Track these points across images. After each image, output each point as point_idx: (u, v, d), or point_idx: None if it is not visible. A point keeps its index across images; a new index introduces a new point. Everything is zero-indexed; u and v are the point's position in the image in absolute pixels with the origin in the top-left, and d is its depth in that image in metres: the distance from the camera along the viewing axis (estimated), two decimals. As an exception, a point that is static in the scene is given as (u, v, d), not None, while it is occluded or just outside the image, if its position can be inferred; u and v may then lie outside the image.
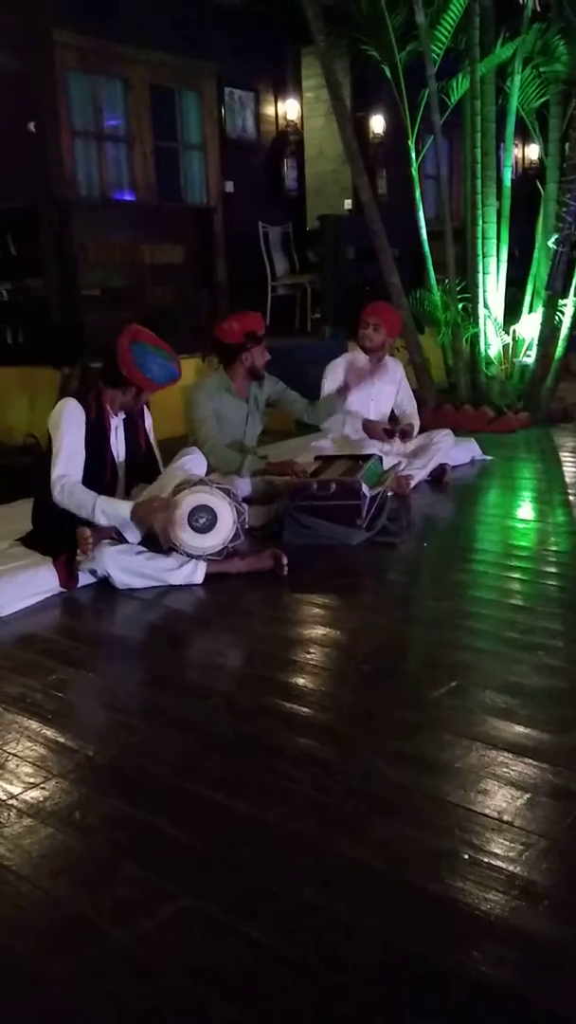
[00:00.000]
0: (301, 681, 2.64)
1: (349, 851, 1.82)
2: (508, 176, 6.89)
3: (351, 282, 8.38)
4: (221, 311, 7.02)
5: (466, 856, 1.78)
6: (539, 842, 1.82)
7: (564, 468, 5.66)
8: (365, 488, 3.91)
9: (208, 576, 3.45)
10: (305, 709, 2.46)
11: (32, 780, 2.13)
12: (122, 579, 3.37)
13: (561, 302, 6.85)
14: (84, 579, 3.43)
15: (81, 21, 7.47)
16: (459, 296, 6.90)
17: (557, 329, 6.90)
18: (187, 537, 3.39)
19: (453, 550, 4.00)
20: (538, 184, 7.27)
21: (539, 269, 7.00)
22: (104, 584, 3.41)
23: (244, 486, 4.10)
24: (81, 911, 1.69)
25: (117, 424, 3.59)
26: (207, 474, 3.69)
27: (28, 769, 2.19)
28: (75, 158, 7.95)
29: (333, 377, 5.02)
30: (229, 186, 9.12)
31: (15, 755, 2.25)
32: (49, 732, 2.37)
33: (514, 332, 7.14)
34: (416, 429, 5.25)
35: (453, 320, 6.90)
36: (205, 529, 3.41)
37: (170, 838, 1.90)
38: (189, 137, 8.96)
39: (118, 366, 3.44)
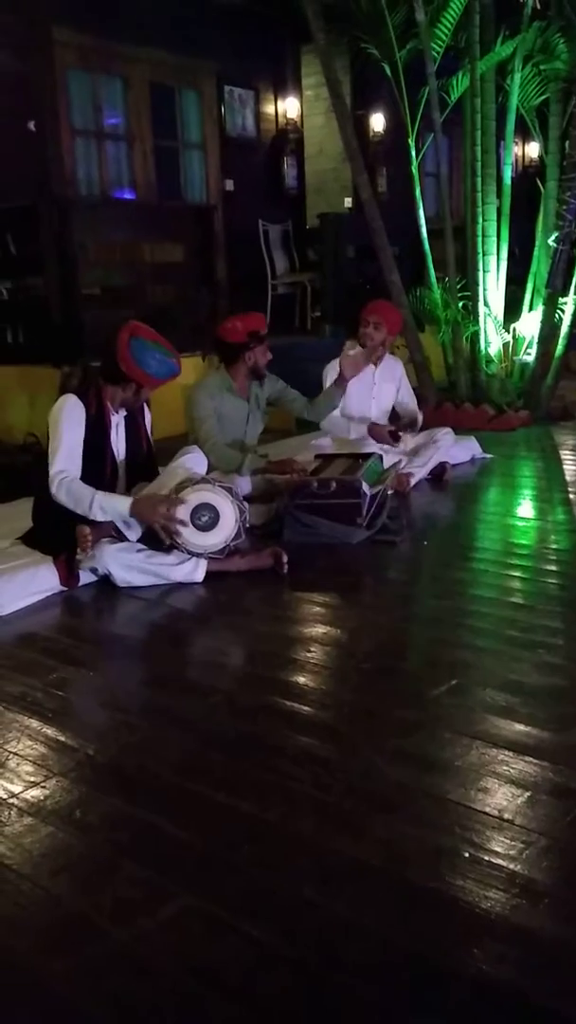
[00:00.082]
0: (302, 680, 2.64)
1: (349, 850, 1.82)
2: (508, 174, 6.89)
3: (351, 280, 8.39)
4: (221, 310, 7.04)
5: (466, 854, 1.78)
6: (539, 840, 1.82)
7: (564, 466, 5.65)
8: (365, 487, 3.91)
9: (208, 574, 3.45)
10: (306, 708, 2.46)
11: (33, 779, 2.13)
12: (123, 576, 3.37)
13: (561, 300, 6.85)
14: (85, 577, 3.43)
15: (81, 20, 7.47)
16: (459, 294, 6.90)
17: (557, 327, 6.89)
18: (189, 535, 3.39)
19: (453, 548, 4.00)
20: (538, 182, 7.27)
21: (539, 267, 6.99)
22: (105, 582, 3.41)
23: (244, 484, 4.10)
24: (81, 910, 1.69)
25: (118, 421, 3.59)
26: (208, 473, 3.69)
27: (29, 768, 2.19)
28: (75, 157, 7.95)
29: (333, 375, 5.01)
30: (229, 184, 9.12)
31: (16, 754, 2.26)
32: (50, 731, 2.37)
33: (514, 330, 7.14)
34: (420, 421, 5.25)
35: (453, 318, 6.90)
36: (208, 527, 3.41)
37: (171, 837, 1.90)
38: (189, 136, 8.96)
39: (117, 362, 3.44)
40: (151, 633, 3.17)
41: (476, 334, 6.94)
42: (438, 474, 4.99)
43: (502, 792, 1.99)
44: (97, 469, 3.48)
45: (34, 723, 2.42)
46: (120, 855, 1.85)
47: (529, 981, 1.48)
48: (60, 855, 1.86)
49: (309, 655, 2.82)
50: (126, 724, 2.44)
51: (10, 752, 2.26)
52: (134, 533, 3.43)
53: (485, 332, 6.92)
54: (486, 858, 1.77)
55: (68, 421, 3.43)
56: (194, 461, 3.66)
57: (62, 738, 2.33)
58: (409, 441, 5.13)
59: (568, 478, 5.26)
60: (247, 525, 3.57)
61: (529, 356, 7.07)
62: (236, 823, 1.94)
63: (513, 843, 1.81)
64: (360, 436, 4.99)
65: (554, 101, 6.83)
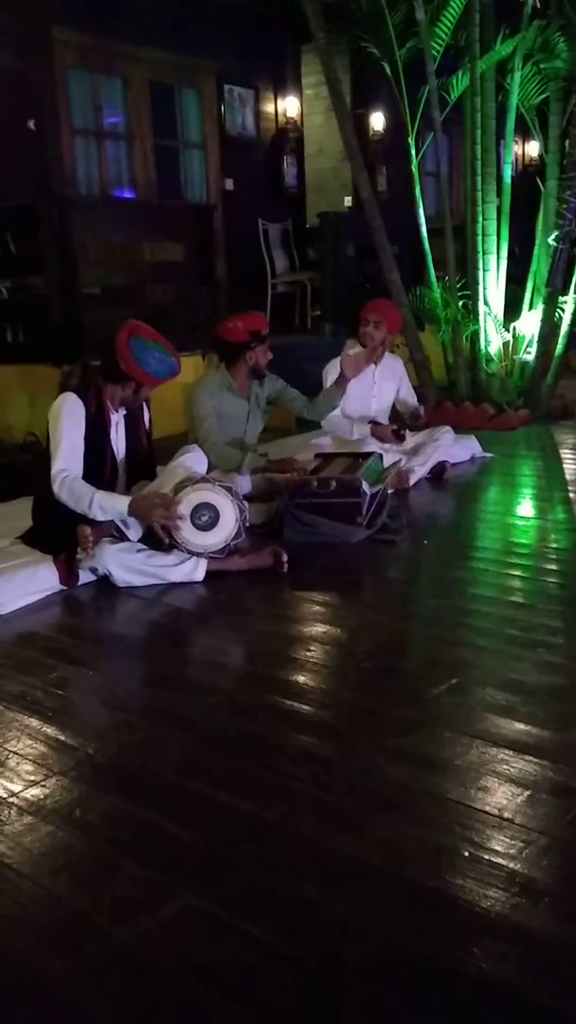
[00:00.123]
0: (301, 679, 2.64)
1: (349, 849, 1.82)
2: (508, 173, 6.89)
3: (351, 279, 8.38)
4: (221, 309, 7.03)
5: (466, 853, 1.78)
6: (539, 839, 1.82)
7: (564, 465, 5.65)
8: (365, 486, 3.91)
9: (208, 574, 3.45)
10: (305, 707, 2.46)
11: (32, 778, 2.13)
12: (122, 577, 3.37)
13: (561, 299, 6.85)
14: (84, 577, 3.43)
15: (81, 19, 7.47)
16: (459, 293, 6.89)
17: (557, 326, 6.89)
18: (189, 534, 3.39)
19: (453, 548, 3.99)
20: (538, 181, 7.27)
21: (539, 266, 7.00)
22: (104, 582, 3.41)
23: (244, 484, 4.10)
24: (81, 909, 1.69)
25: (117, 420, 3.59)
26: (207, 472, 3.69)
27: (28, 767, 2.19)
28: (75, 156, 7.95)
29: (334, 375, 5.01)
30: (229, 183, 9.12)
31: (15, 753, 2.26)
32: (49, 730, 2.37)
33: (514, 329, 7.14)
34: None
35: (453, 317, 6.90)
36: (208, 527, 3.41)
37: (171, 836, 1.90)
38: (189, 135, 8.95)
39: (117, 361, 3.44)
40: (151, 632, 3.17)
41: (476, 333, 6.94)
42: (438, 473, 4.99)
43: (502, 791, 2.00)
44: (97, 468, 3.48)
45: (34, 722, 2.42)
46: (120, 854, 1.85)
47: (529, 980, 1.48)
48: (60, 854, 1.86)
49: (309, 654, 2.82)
50: (126, 723, 2.44)
51: (10, 751, 2.26)
52: (135, 533, 3.43)
53: (485, 331, 6.92)
54: (486, 857, 1.77)
55: (68, 420, 3.43)
56: (194, 460, 3.66)
57: (62, 737, 2.33)
58: (410, 439, 5.13)
59: (568, 477, 5.26)
60: (247, 524, 3.57)
61: (529, 355, 7.07)
62: (236, 822, 1.94)
63: (513, 842, 1.81)
64: (363, 436, 5.00)
65: (554, 100, 6.83)
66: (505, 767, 2.09)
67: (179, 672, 2.82)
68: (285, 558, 3.51)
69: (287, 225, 9.34)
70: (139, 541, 3.44)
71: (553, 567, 3.64)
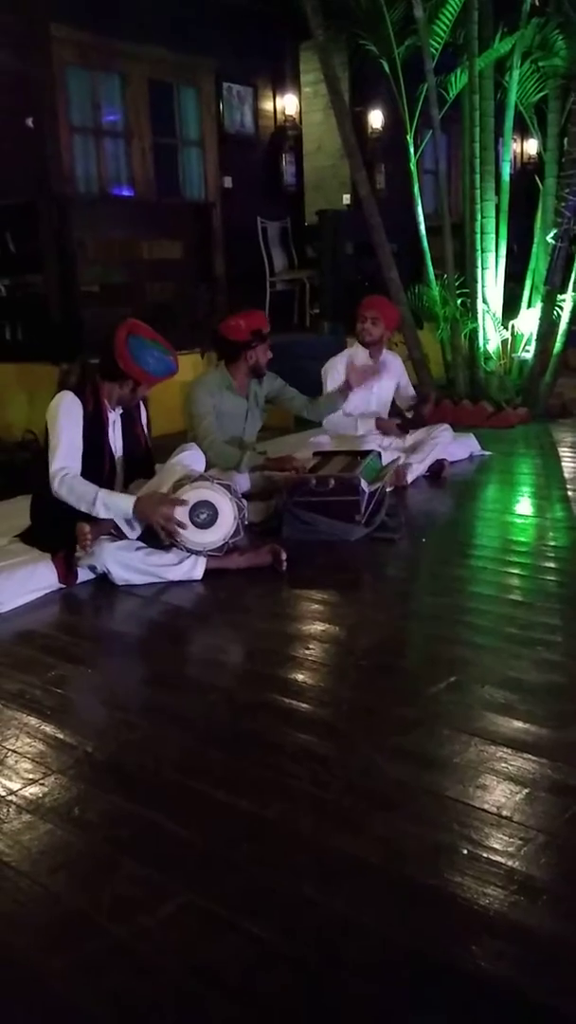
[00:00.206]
0: (300, 677, 2.64)
1: (348, 847, 1.82)
2: (507, 171, 6.88)
3: (350, 277, 8.38)
4: (220, 307, 7.02)
5: (465, 851, 1.79)
6: (538, 837, 1.82)
7: (563, 464, 5.65)
8: (364, 484, 3.91)
9: (207, 572, 3.45)
10: (304, 705, 2.46)
11: (31, 776, 2.14)
12: (121, 575, 3.37)
13: (560, 297, 6.85)
14: (83, 575, 3.43)
15: (79, 17, 7.46)
16: (458, 291, 6.89)
17: (556, 324, 6.89)
18: (188, 533, 3.39)
19: (452, 546, 4.00)
20: (537, 179, 7.26)
21: (538, 264, 7.00)
22: (103, 580, 3.41)
23: (243, 482, 4.10)
24: (80, 907, 1.69)
25: (115, 419, 3.59)
26: (206, 470, 3.69)
27: (27, 765, 2.19)
28: (73, 154, 7.94)
29: (335, 375, 5.04)
30: (227, 181, 9.11)
31: (14, 751, 2.26)
32: (48, 728, 2.37)
33: (513, 327, 7.13)
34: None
35: (452, 315, 6.90)
36: (206, 525, 3.41)
37: (170, 835, 1.90)
38: (187, 133, 8.94)
39: (115, 359, 3.44)
40: (150, 630, 3.17)
41: (475, 331, 6.93)
42: (436, 471, 4.99)
43: (501, 789, 2.00)
44: (95, 466, 3.48)
45: (33, 720, 2.42)
46: (119, 853, 1.85)
47: (527, 978, 1.48)
48: (59, 852, 1.86)
49: (308, 652, 2.82)
50: (125, 722, 2.44)
51: (8, 749, 2.26)
52: (133, 531, 3.43)
53: (484, 329, 6.92)
54: (484, 855, 1.77)
55: (66, 418, 3.42)
56: (192, 459, 3.66)
57: (61, 735, 2.33)
58: (408, 437, 5.14)
59: (566, 475, 5.26)
60: (246, 522, 3.57)
61: (528, 353, 7.07)
62: (235, 820, 1.94)
63: (511, 840, 1.81)
64: (368, 431, 5.00)
65: (553, 98, 6.82)
66: (504, 765, 2.09)
67: (178, 670, 2.82)
68: (284, 556, 3.51)
69: (286, 223, 9.33)
70: (138, 539, 3.44)
71: (552, 565, 3.64)
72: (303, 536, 3.87)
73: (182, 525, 3.35)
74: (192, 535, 3.39)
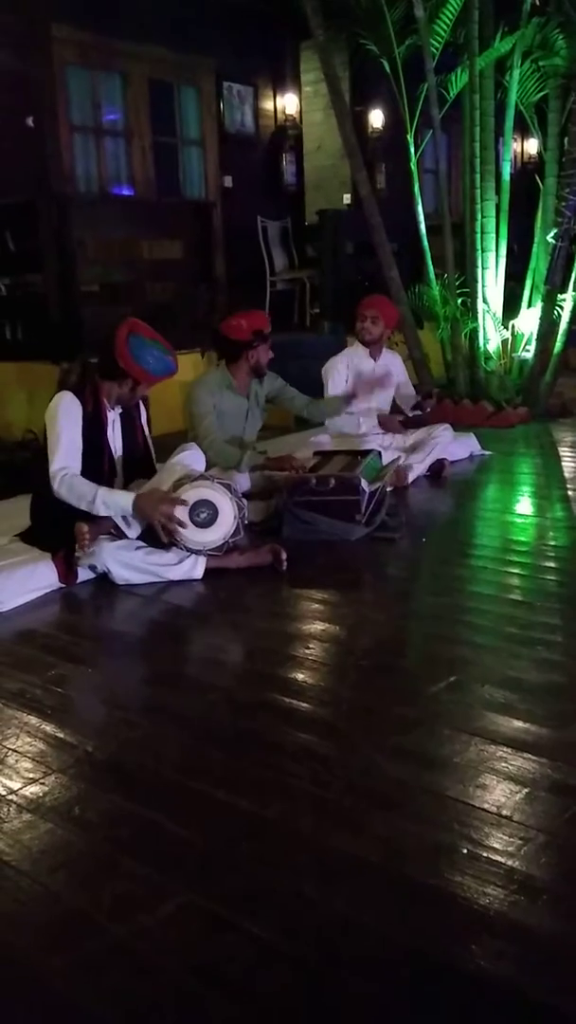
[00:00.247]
0: (300, 677, 2.65)
1: (348, 846, 1.83)
2: (507, 170, 6.88)
3: (350, 277, 8.38)
4: (220, 306, 7.02)
5: (465, 851, 1.79)
6: (538, 837, 1.82)
7: (563, 463, 5.65)
8: (364, 483, 3.91)
9: (207, 571, 3.45)
10: (304, 705, 2.46)
11: (32, 776, 2.14)
12: (121, 575, 3.37)
13: (560, 297, 6.85)
14: (83, 574, 3.43)
15: (80, 16, 7.46)
16: (458, 291, 6.89)
17: (556, 324, 6.89)
18: (188, 532, 3.39)
19: (452, 545, 4.00)
20: (537, 178, 7.26)
21: (538, 264, 6.99)
22: (103, 580, 3.41)
23: (243, 481, 4.11)
24: (81, 907, 1.69)
25: (114, 418, 3.59)
26: (206, 469, 3.69)
27: (28, 765, 2.19)
28: (74, 153, 7.93)
29: (336, 375, 5.06)
30: (228, 181, 9.11)
31: (14, 751, 2.26)
32: (48, 728, 2.37)
33: (513, 327, 7.13)
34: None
35: (452, 315, 6.90)
36: (206, 524, 3.41)
37: (170, 834, 1.90)
38: (188, 132, 8.94)
39: (115, 358, 3.44)
40: (150, 630, 3.17)
41: (475, 331, 6.93)
42: (437, 471, 5.00)
43: (501, 789, 2.00)
44: (94, 466, 3.48)
45: (33, 720, 2.42)
46: (119, 852, 1.85)
47: (527, 977, 1.48)
48: (59, 852, 1.86)
49: (308, 652, 2.82)
50: (125, 721, 2.44)
51: (9, 749, 2.27)
52: (133, 531, 3.43)
53: (484, 329, 6.92)
54: (484, 854, 1.77)
55: (65, 418, 3.43)
56: (192, 458, 3.66)
57: (61, 735, 2.33)
58: (409, 437, 5.14)
59: (567, 475, 5.26)
60: (246, 522, 3.57)
61: (528, 353, 7.07)
62: (235, 820, 1.94)
63: (511, 839, 1.82)
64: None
65: (553, 97, 6.82)
66: (504, 765, 2.09)
67: (178, 670, 2.82)
68: (284, 556, 3.51)
69: (286, 223, 9.33)
70: (138, 539, 3.44)
71: (552, 565, 3.64)
72: (303, 536, 3.87)
73: (182, 524, 3.35)
74: (192, 534, 3.39)
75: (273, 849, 1.84)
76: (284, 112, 9.62)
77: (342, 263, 8.38)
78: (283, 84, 9.62)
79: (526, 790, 1.99)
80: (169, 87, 8.68)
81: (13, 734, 2.34)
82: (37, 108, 7.40)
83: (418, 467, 4.88)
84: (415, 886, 1.70)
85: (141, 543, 3.44)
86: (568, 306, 6.84)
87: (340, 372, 5.08)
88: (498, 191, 6.78)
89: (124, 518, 3.39)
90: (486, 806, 1.93)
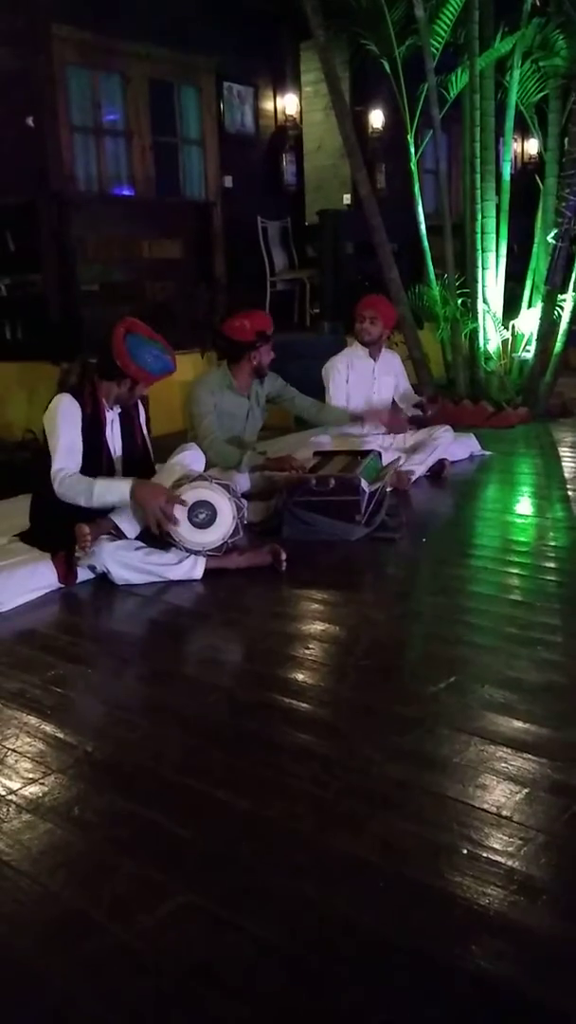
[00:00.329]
0: (300, 677, 2.65)
1: (348, 846, 1.83)
2: (507, 171, 6.88)
3: (350, 277, 8.37)
4: (220, 306, 7.02)
5: (465, 851, 1.79)
6: (538, 837, 1.82)
7: (563, 463, 5.65)
8: (364, 484, 3.91)
9: (207, 572, 3.45)
10: (304, 705, 2.46)
11: (31, 776, 2.13)
12: (121, 575, 3.37)
13: (560, 297, 6.85)
14: (83, 575, 3.43)
15: (80, 16, 7.45)
16: (458, 291, 6.89)
17: (556, 324, 6.89)
18: (187, 532, 3.38)
19: (452, 546, 4.00)
20: (537, 179, 7.26)
21: (538, 264, 6.99)
22: (103, 580, 3.41)
23: (243, 482, 4.11)
24: (80, 907, 1.69)
25: (113, 418, 3.59)
26: (206, 470, 3.69)
27: (27, 765, 2.19)
28: (74, 153, 7.93)
29: (337, 377, 5.08)
30: (228, 181, 9.10)
31: (14, 751, 2.26)
32: (48, 728, 2.37)
33: (513, 327, 7.13)
34: (423, 401, 5.36)
35: (452, 315, 6.89)
36: (205, 524, 3.41)
37: (169, 834, 1.90)
38: (188, 132, 8.93)
39: (113, 358, 3.44)
40: (150, 630, 3.17)
41: (475, 331, 6.93)
42: (437, 471, 5.00)
43: (500, 789, 2.00)
44: (94, 465, 3.48)
45: (33, 720, 2.42)
46: (119, 852, 1.85)
47: (527, 977, 1.48)
48: (59, 852, 1.86)
49: (308, 652, 2.82)
50: (125, 721, 2.44)
51: (8, 749, 2.26)
52: (133, 530, 3.43)
53: (484, 329, 6.92)
54: (484, 855, 1.77)
55: (64, 421, 3.43)
56: (192, 458, 3.66)
57: (61, 735, 2.33)
58: (409, 438, 5.15)
59: (567, 475, 5.26)
60: (245, 522, 3.57)
61: (528, 353, 7.06)
62: (235, 820, 1.94)
63: (511, 840, 1.81)
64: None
65: (553, 98, 6.82)
66: (503, 765, 2.09)
67: (178, 670, 2.82)
68: (284, 556, 3.51)
69: (286, 223, 9.32)
70: (137, 539, 3.44)
71: (552, 565, 3.64)
72: (303, 536, 3.87)
73: (175, 522, 3.34)
74: (191, 534, 3.39)
75: (273, 849, 1.84)
76: (284, 112, 9.61)
77: (342, 263, 8.38)
78: (283, 84, 9.61)
79: (526, 790, 1.99)
80: (169, 87, 8.67)
81: (13, 734, 2.34)
82: (37, 108, 7.40)
83: (418, 469, 4.88)
84: (415, 886, 1.70)
85: (141, 543, 3.44)
86: (568, 306, 6.84)
87: (340, 372, 5.10)
88: (498, 191, 6.78)
89: (124, 518, 3.39)
90: (486, 806, 1.93)
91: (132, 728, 2.39)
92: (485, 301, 6.84)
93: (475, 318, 6.87)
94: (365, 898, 1.68)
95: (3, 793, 2.06)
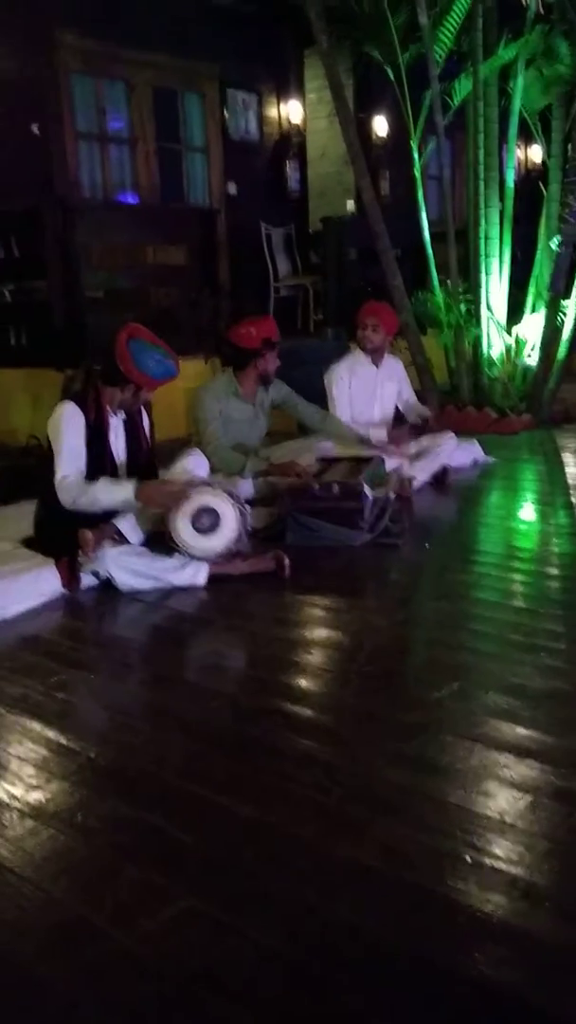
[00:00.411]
0: (303, 683, 2.64)
1: (351, 853, 1.82)
2: (511, 177, 6.89)
3: (353, 283, 8.39)
4: (223, 312, 7.04)
5: (468, 858, 1.78)
6: (541, 844, 1.82)
7: (566, 470, 5.65)
8: (367, 490, 3.91)
9: (210, 577, 3.45)
10: (307, 711, 2.46)
11: (34, 782, 2.14)
12: (124, 580, 3.37)
13: (563, 303, 6.85)
14: (87, 580, 3.43)
15: (85, 24, 7.49)
16: (462, 297, 6.89)
17: (559, 330, 6.89)
18: (190, 538, 3.39)
19: (455, 552, 3.99)
20: (541, 185, 7.27)
21: (541, 270, 7.00)
22: (106, 586, 3.41)
23: (246, 488, 4.11)
24: (83, 913, 1.69)
25: (116, 424, 3.59)
26: (210, 475, 3.69)
27: (30, 771, 2.19)
28: (78, 160, 7.96)
29: (340, 384, 5.09)
30: (232, 187, 9.13)
31: (17, 756, 2.26)
32: (51, 734, 2.37)
33: (516, 333, 7.13)
34: (429, 416, 5.33)
35: (456, 321, 6.90)
36: (209, 530, 3.41)
37: (172, 840, 1.90)
38: (192, 139, 8.97)
39: (116, 363, 3.45)
40: (153, 636, 3.17)
41: (478, 337, 6.93)
42: (440, 478, 4.99)
43: (504, 796, 1.99)
44: (98, 471, 3.49)
45: (36, 726, 2.42)
46: (121, 858, 1.85)
47: (530, 984, 1.48)
48: (61, 858, 1.86)
49: (311, 658, 2.82)
50: (127, 727, 2.44)
51: (11, 755, 2.27)
52: (136, 536, 3.43)
53: (488, 335, 6.92)
54: (487, 862, 1.77)
55: (67, 428, 3.44)
56: (195, 464, 3.67)
57: (63, 741, 2.33)
58: (413, 445, 5.15)
59: (570, 481, 5.26)
60: (249, 528, 3.58)
61: (531, 359, 7.07)
62: (237, 826, 1.94)
63: (515, 847, 1.81)
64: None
65: (557, 104, 6.83)
66: (507, 771, 2.09)
67: (180, 676, 2.82)
68: (287, 562, 3.51)
69: (290, 229, 9.34)
70: (140, 545, 3.44)
71: (555, 571, 3.64)
72: (306, 542, 3.87)
73: (185, 529, 3.35)
74: (195, 541, 3.39)
75: (275, 855, 1.84)
76: (288, 119, 9.64)
77: (345, 269, 8.39)
78: (287, 91, 9.65)
79: (529, 797, 1.98)
80: (173, 94, 8.71)
81: (16, 740, 2.34)
82: (42, 115, 7.43)
83: (422, 475, 4.88)
84: (417, 892, 1.70)
85: (144, 549, 3.44)
86: (572, 312, 6.84)
87: (342, 379, 5.11)
88: (502, 198, 6.79)
89: (127, 524, 3.40)
90: (489, 813, 1.93)
91: (135, 734, 2.39)
92: (489, 307, 6.85)
93: (479, 324, 6.87)
94: (367, 904, 1.67)
95: (6, 799, 2.06)
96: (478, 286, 6.83)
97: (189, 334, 6.66)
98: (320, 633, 3.05)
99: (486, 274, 6.82)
